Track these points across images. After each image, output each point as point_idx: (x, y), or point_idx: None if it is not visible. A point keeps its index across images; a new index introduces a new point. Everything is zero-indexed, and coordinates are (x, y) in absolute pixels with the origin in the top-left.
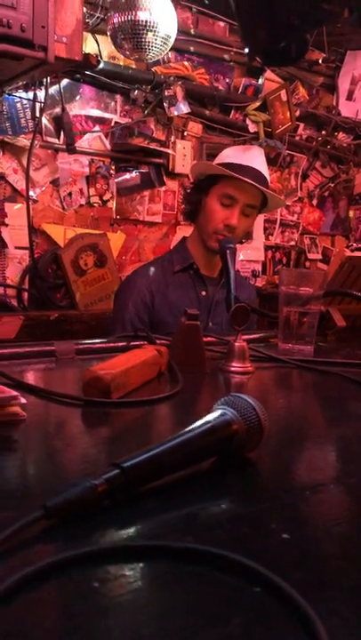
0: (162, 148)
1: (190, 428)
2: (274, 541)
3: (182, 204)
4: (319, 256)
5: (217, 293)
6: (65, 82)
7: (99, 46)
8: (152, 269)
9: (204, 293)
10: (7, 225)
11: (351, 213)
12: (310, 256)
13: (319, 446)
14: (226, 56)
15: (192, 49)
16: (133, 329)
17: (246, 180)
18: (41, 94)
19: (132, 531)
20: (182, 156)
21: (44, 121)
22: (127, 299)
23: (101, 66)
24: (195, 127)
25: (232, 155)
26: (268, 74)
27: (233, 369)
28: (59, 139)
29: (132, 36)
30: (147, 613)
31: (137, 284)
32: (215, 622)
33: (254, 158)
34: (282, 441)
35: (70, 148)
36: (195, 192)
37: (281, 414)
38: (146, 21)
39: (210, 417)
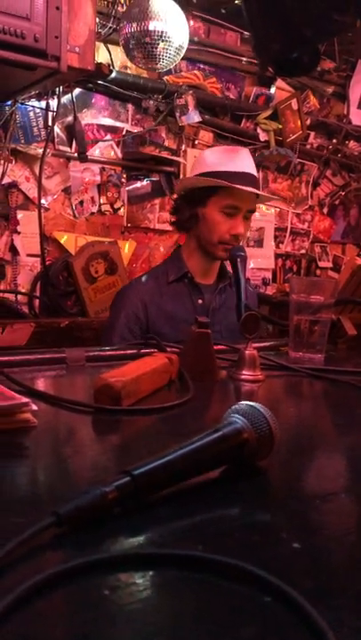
0: (173, 157)
1: (201, 436)
2: (284, 550)
3: (173, 216)
4: (330, 264)
5: (214, 301)
6: (77, 91)
7: (111, 56)
8: (145, 281)
9: (200, 302)
10: (19, 233)
11: None
12: (321, 264)
13: (330, 455)
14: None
15: (203, 58)
16: (123, 341)
17: (251, 189)
18: (53, 103)
19: (142, 538)
20: (194, 162)
21: (57, 130)
22: (119, 311)
23: (113, 75)
24: (206, 136)
25: (221, 161)
26: (280, 83)
27: (243, 377)
28: (71, 147)
29: (144, 45)
30: (157, 622)
31: (129, 296)
32: (225, 631)
33: (245, 161)
34: (292, 449)
35: (82, 157)
36: (188, 204)
37: (292, 423)
38: (157, 31)
39: (221, 425)
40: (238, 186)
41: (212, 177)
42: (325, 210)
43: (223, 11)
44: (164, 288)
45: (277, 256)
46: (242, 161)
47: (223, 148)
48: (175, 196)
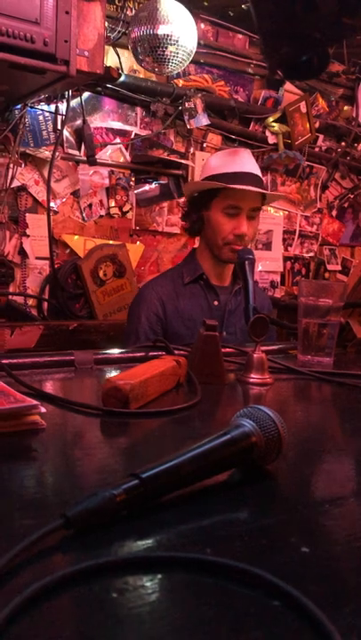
0: (181, 160)
1: (209, 439)
2: (293, 554)
3: (184, 221)
4: (339, 267)
5: (229, 302)
6: (86, 95)
7: (120, 59)
8: (161, 281)
9: (216, 303)
10: (28, 235)
11: None
12: (330, 267)
13: (338, 459)
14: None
15: (212, 61)
16: (148, 342)
17: (248, 187)
18: (63, 107)
19: (150, 541)
20: (201, 167)
21: (66, 133)
22: (140, 312)
23: (122, 79)
24: (214, 139)
25: (221, 164)
26: (288, 86)
27: (252, 380)
28: (79, 151)
29: (153, 49)
30: (164, 625)
31: (147, 297)
32: (233, 635)
33: (244, 161)
34: (301, 453)
35: (91, 160)
36: (194, 209)
37: (300, 426)
38: (166, 35)
39: (229, 428)
40: (233, 185)
41: (213, 180)
42: (334, 212)
43: (231, 14)
44: (180, 289)
45: (286, 259)
46: (241, 160)
47: (225, 152)
48: (183, 200)
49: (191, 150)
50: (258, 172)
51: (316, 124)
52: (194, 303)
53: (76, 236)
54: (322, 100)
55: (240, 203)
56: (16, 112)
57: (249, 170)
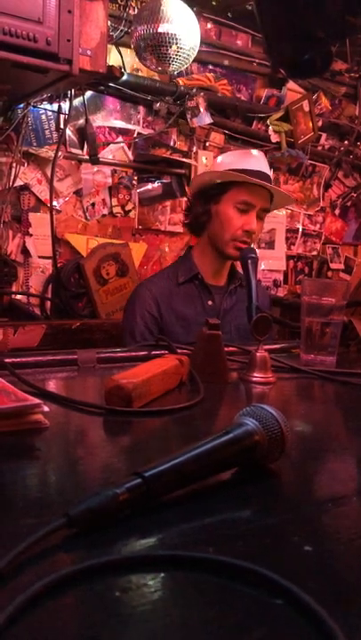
0: (184, 159)
1: (212, 437)
2: (296, 553)
3: (187, 217)
4: (342, 266)
5: (224, 302)
6: (89, 94)
7: (122, 58)
8: (156, 280)
9: (210, 303)
10: (31, 235)
11: None
12: (333, 266)
13: (341, 458)
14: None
15: (215, 60)
16: (144, 341)
17: (269, 185)
18: (65, 106)
19: (153, 540)
20: (204, 166)
21: (68, 132)
22: (135, 312)
23: (125, 78)
24: (217, 138)
25: (235, 161)
26: (291, 84)
27: (254, 379)
28: (82, 150)
29: (156, 48)
30: (168, 624)
31: (142, 296)
32: (236, 634)
33: (260, 162)
34: (303, 452)
35: (94, 159)
36: (201, 202)
37: (303, 425)
38: (169, 34)
39: (232, 427)
40: (253, 179)
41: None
42: (337, 211)
43: (230, 15)
44: (175, 289)
45: (289, 258)
46: (257, 161)
47: (237, 151)
48: (189, 193)
49: (194, 149)
50: (270, 173)
51: (319, 123)
52: (188, 303)
53: (79, 235)
54: (325, 99)
55: (254, 200)
56: (19, 111)
57: (262, 169)
